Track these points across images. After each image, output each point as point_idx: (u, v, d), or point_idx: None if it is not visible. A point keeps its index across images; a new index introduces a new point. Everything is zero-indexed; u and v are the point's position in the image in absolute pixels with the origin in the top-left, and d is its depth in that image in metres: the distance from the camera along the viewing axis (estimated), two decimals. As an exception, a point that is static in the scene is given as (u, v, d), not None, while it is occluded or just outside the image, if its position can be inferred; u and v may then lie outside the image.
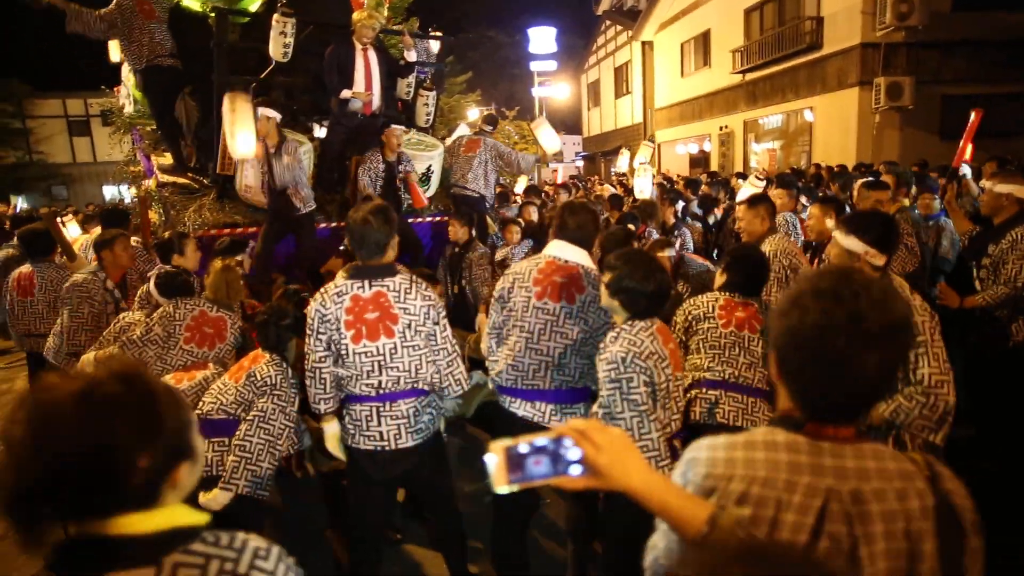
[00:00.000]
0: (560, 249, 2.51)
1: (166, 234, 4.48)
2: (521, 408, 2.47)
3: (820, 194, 6.59)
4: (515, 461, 0.80)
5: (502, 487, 0.80)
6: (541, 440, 0.82)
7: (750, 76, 15.47)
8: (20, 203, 14.05)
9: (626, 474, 0.87)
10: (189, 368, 2.79)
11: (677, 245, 6.08)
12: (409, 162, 5.18)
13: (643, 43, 21.23)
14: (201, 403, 2.52)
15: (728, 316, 2.52)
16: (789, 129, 14.97)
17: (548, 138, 6.03)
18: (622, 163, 9.23)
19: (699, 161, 18.80)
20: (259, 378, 2.46)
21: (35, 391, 0.83)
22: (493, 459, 0.80)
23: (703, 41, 17.75)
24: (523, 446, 0.81)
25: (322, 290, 2.39)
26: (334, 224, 5.22)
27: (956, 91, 11.71)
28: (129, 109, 6.25)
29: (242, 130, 4.23)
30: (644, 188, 6.78)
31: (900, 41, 11.58)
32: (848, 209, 4.12)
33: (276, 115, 4.45)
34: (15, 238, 4.81)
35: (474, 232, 4.99)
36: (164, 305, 3.01)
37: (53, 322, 3.91)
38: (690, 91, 18.73)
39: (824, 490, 0.91)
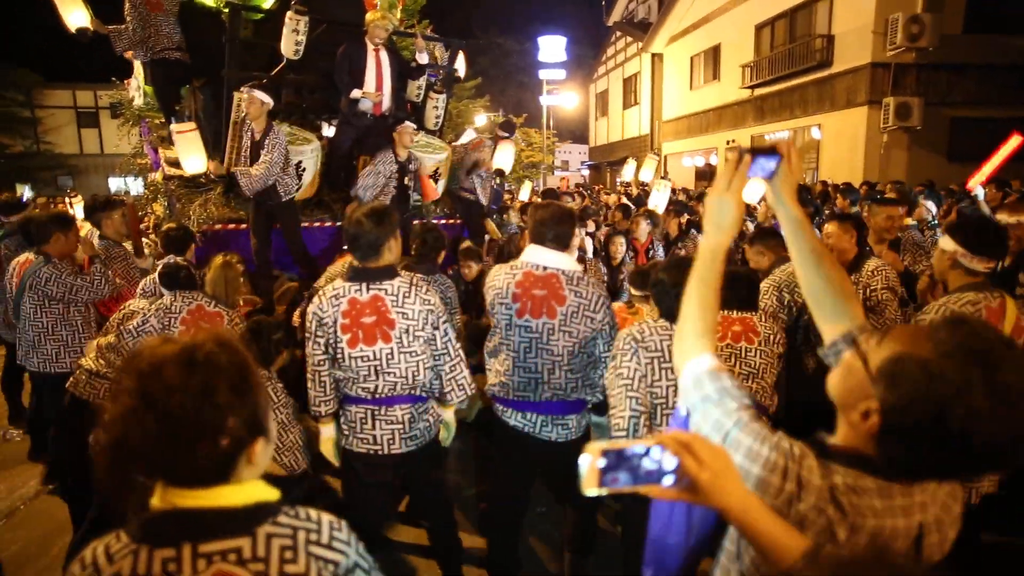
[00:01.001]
0: (535, 255, 2.38)
1: (166, 227, 4.46)
2: (513, 418, 2.45)
3: (827, 211, 6.60)
4: (609, 465, 0.79)
5: (592, 490, 0.79)
6: (639, 447, 0.81)
7: (759, 91, 15.50)
8: (26, 192, 14.06)
9: (725, 493, 0.85)
10: None
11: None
12: (417, 160, 5.17)
13: (653, 55, 21.31)
14: None
15: (724, 330, 2.46)
16: (797, 145, 14.94)
17: (502, 157, 5.95)
18: (627, 173, 9.24)
19: (705, 174, 18.81)
20: None
21: (139, 352, 0.90)
22: (587, 460, 0.79)
23: (713, 55, 17.80)
24: (620, 451, 0.80)
25: (320, 292, 2.35)
26: (340, 223, 5.20)
27: (965, 113, 11.73)
28: (139, 101, 6.25)
29: (190, 155, 4.52)
30: (660, 203, 6.70)
31: (910, 62, 11.60)
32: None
33: (268, 100, 4.41)
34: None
35: (484, 264, 4.82)
36: (164, 297, 2.98)
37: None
38: (698, 104, 18.77)
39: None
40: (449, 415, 2.53)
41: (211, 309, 2.93)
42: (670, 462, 0.82)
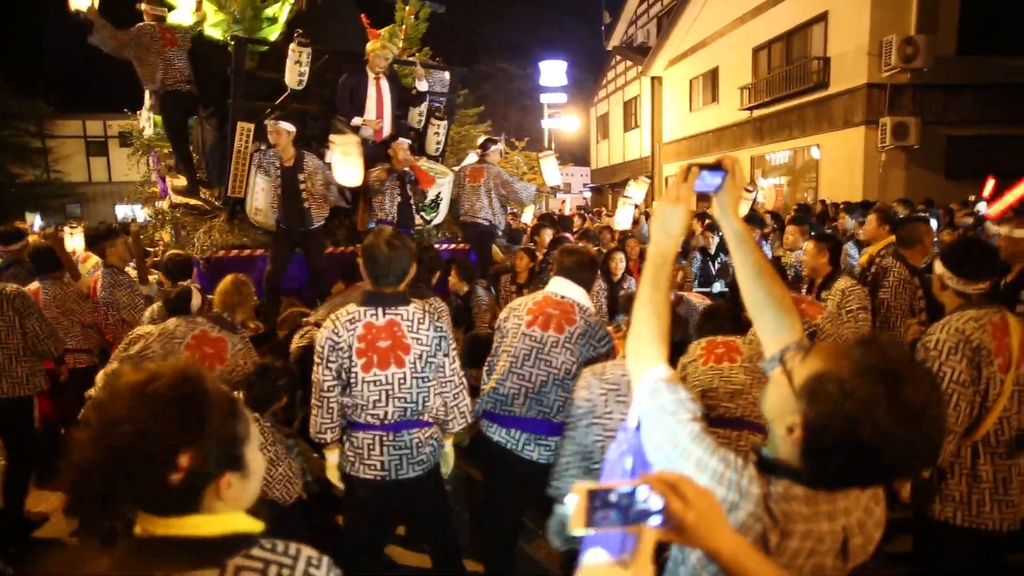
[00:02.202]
0: (559, 286, 2.57)
1: (168, 254, 4.55)
2: (496, 433, 2.48)
3: (824, 230, 6.63)
4: (595, 505, 0.79)
5: (579, 530, 0.78)
6: (625, 487, 0.81)
7: (758, 113, 15.67)
8: (37, 221, 14.26)
9: (713, 534, 0.83)
10: None
11: (679, 278, 6.13)
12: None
13: (652, 78, 21.61)
14: None
15: (708, 354, 2.51)
16: (796, 165, 15.10)
17: (550, 172, 6.13)
18: (636, 195, 9.30)
19: (705, 196, 18.90)
20: None
21: (109, 379, 0.88)
22: (574, 500, 0.79)
23: (711, 78, 18.05)
24: (606, 491, 0.80)
25: (333, 317, 2.35)
26: (340, 249, 5.27)
27: (961, 132, 11.83)
28: (149, 132, 6.41)
29: (349, 167, 4.54)
30: (622, 221, 6.84)
31: (905, 82, 11.75)
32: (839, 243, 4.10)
33: (291, 128, 4.54)
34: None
35: (474, 282, 4.86)
36: (168, 322, 3.02)
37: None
38: (698, 126, 18.96)
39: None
40: (449, 445, 2.53)
41: (214, 335, 2.94)
42: (656, 502, 0.80)
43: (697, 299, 4.18)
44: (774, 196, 14.35)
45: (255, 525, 0.93)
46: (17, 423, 3.39)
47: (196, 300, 3.13)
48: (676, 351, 2.81)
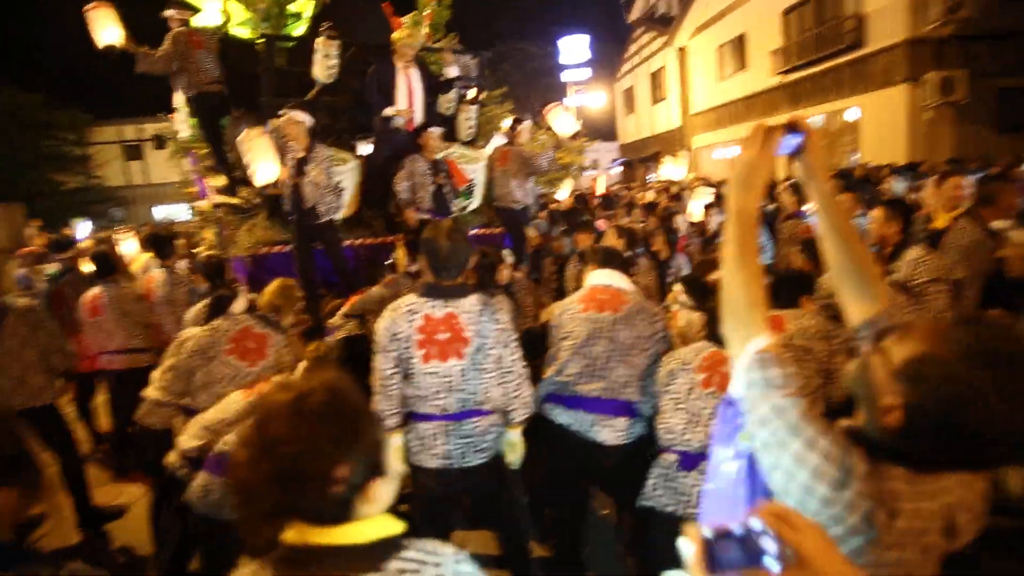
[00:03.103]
0: (599, 277, 2.69)
1: (204, 255, 4.64)
2: (561, 415, 2.51)
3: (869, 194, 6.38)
4: (712, 550, 0.75)
5: None
6: (736, 527, 0.75)
7: (790, 77, 15.14)
8: (84, 226, 14.74)
9: (832, 565, 0.76)
10: (253, 384, 2.85)
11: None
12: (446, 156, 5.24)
13: (678, 49, 21.05)
14: (224, 440, 2.45)
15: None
16: (831, 129, 14.57)
17: (561, 122, 5.82)
18: (668, 172, 9.08)
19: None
20: None
21: (261, 398, 0.95)
22: (689, 547, 0.76)
23: (739, 44, 17.48)
24: (720, 535, 0.75)
25: (392, 307, 2.37)
26: (379, 240, 5.31)
27: (1013, 83, 11.20)
28: (185, 134, 6.53)
29: (261, 161, 4.37)
30: (696, 210, 6.45)
31: (950, 34, 11.15)
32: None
33: (303, 118, 4.48)
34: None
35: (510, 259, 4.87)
36: (215, 320, 3.08)
37: (121, 339, 4.11)
38: (728, 95, 18.43)
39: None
40: (515, 435, 2.54)
41: (257, 331, 3.01)
42: (770, 544, 0.74)
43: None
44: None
45: (400, 526, 0.97)
46: (47, 429, 3.47)
47: (241, 303, 3.18)
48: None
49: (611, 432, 2.45)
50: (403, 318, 2.31)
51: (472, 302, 2.35)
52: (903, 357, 0.93)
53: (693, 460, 2.14)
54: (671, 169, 7.50)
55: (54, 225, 16.72)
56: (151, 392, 3.04)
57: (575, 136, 6.06)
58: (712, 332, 2.30)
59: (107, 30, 4.88)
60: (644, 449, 2.48)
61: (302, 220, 4.64)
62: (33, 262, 6.13)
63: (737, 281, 1.09)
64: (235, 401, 2.65)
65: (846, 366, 1.12)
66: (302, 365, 2.74)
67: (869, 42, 12.37)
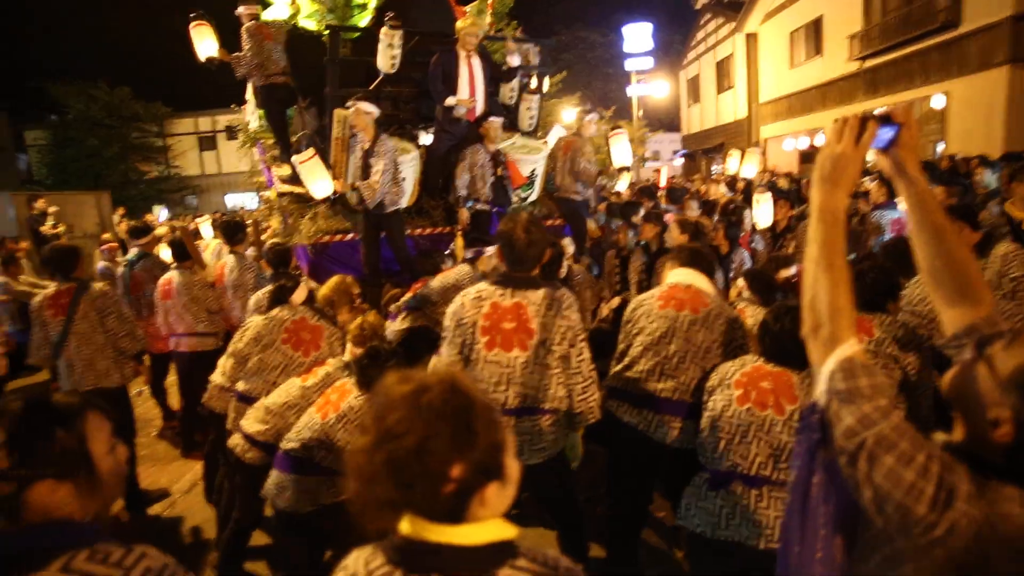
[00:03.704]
0: (681, 276, 2.58)
1: (270, 243, 4.79)
2: (627, 414, 2.42)
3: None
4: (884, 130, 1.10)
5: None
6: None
7: (870, 63, 14.22)
8: (163, 213, 15.62)
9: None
10: (308, 371, 2.89)
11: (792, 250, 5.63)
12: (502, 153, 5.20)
13: (747, 35, 20.18)
14: (286, 438, 2.48)
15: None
16: (914, 116, 13.60)
17: (621, 152, 5.76)
18: (732, 165, 8.71)
19: (810, 156, 17.54)
20: (357, 418, 2.37)
21: (381, 388, 0.94)
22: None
23: (814, 28, 16.57)
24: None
25: (462, 293, 2.40)
26: (439, 230, 5.32)
27: None
28: (254, 124, 6.74)
29: (316, 180, 4.57)
30: (763, 218, 6.02)
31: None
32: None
33: (371, 109, 4.54)
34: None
35: (572, 249, 4.74)
36: (273, 310, 3.15)
37: (188, 323, 4.28)
38: (800, 83, 17.54)
39: None
40: (575, 437, 2.50)
41: (313, 322, 3.07)
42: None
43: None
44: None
45: (512, 531, 0.94)
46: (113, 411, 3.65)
47: (301, 293, 3.23)
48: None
49: (678, 434, 2.36)
50: (471, 304, 2.32)
51: (541, 295, 2.31)
52: (1014, 366, 0.86)
53: (723, 480, 2.03)
54: (747, 168, 7.17)
55: (136, 212, 17.86)
56: (216, 377, 3.13)
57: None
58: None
59: (205, 43, 5.27)
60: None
61: (370, 210, 4.70)
62: (112, 256, 6.52)
63: (822, 284, 1.02)
64: (295, 385, 2.71)
65: (943, 377, 1.03)
66: (349, 344, 2.78)
67: (965, 21, 11.42)
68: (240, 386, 3.01)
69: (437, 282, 3.99)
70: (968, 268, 1.08)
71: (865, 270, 2.43)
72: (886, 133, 1.11)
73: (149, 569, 0.95)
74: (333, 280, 3.30)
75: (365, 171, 4.58)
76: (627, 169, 5.98)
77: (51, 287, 3.64)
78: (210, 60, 5.30)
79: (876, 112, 1.11)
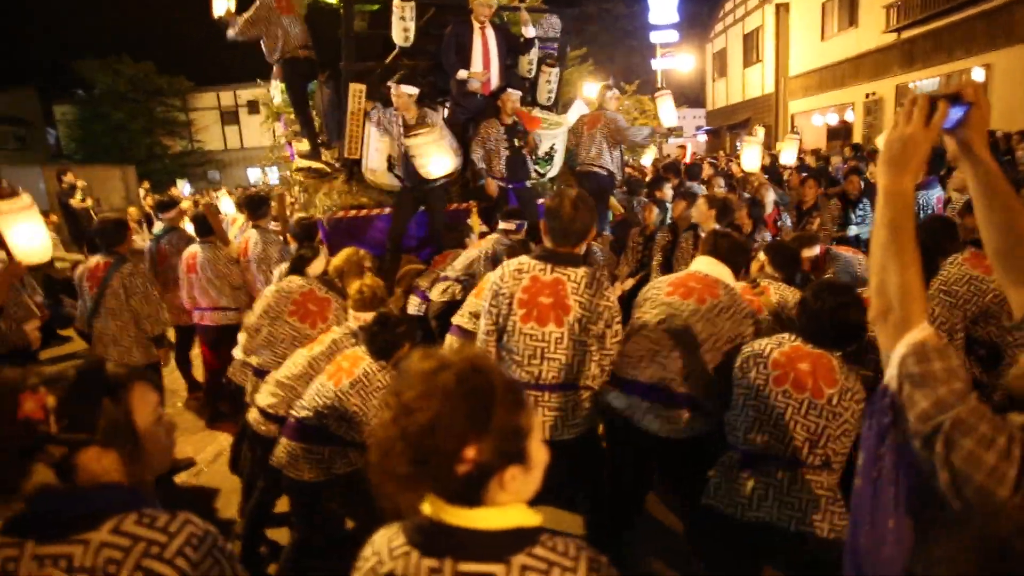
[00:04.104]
0: (705, 264, 2.49)
1: (296, 217, 4.82)
2: (617, 400, 2.36)
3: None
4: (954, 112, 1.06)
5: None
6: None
7: (907, 34, 13.64)
8: (186, 187, 15.84)
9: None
10: (315, 338, 2.89)
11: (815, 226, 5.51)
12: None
13: (777, 6, 19.49)
14: (298, 406, 2.49)
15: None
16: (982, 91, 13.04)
17: (667, 112, 5.72)
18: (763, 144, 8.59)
19: (838, 133, 17.03)
20: (371, 384, 2.39)
21: (407, 362, 0.94)
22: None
23: (849, -2, 15.93)
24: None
25: (503, 265, 2.41)
26: (455, 206, 5.29)
27: None
28: (278, 99, 6.74)
29: (434, 156, 4.55)
30: (750, 162, 6.20)
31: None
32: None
33: (413, 90, 4.58)
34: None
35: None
36: (284, 281, 3.19)
37: (212, 297, 4.35)
38: (831, 55, 16.93)
39: None
40: None
41: (321, 295, 3.10)
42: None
43: (848, 252, 3.70)
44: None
45: (535, 518, 0.93)
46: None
47: (319, 264, 3.25)
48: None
49: (665, 424, 2.27)
50: (511, 276, 2.32)
51: (582, 273, 2.29)
52: None
53: (755, 461, 1.97)
54: (785, 154, 7.04)
55: (161, 186, 18.12)
56: (237, 352, 3.18)
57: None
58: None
59: (219, 2, 5.27)
60: (707, 446, 2.30)
61: (415, 184, 4.71)
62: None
63: (892, 267, 1.02)
64: (302, 355, 2.74)
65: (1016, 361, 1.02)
66: (352, 310, 2.79)
67: (1010, -11, 10.89)
68: (254, 360, 3.06)
69: (463, 258, 4.00)
70: None
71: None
72: (956, 113, 1.08)
73: (193, 535, 0.98)
74: (344, 252, 3.33)
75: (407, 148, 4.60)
76: (675, 132, 6.01)
77: (93, 259, 3.73)
78: (220, 20, 5.31)
79: (911, 87, 1.08)
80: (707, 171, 9.15)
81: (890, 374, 0.98)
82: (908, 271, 1.00)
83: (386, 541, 0.95)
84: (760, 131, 7.31)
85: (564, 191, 2.36)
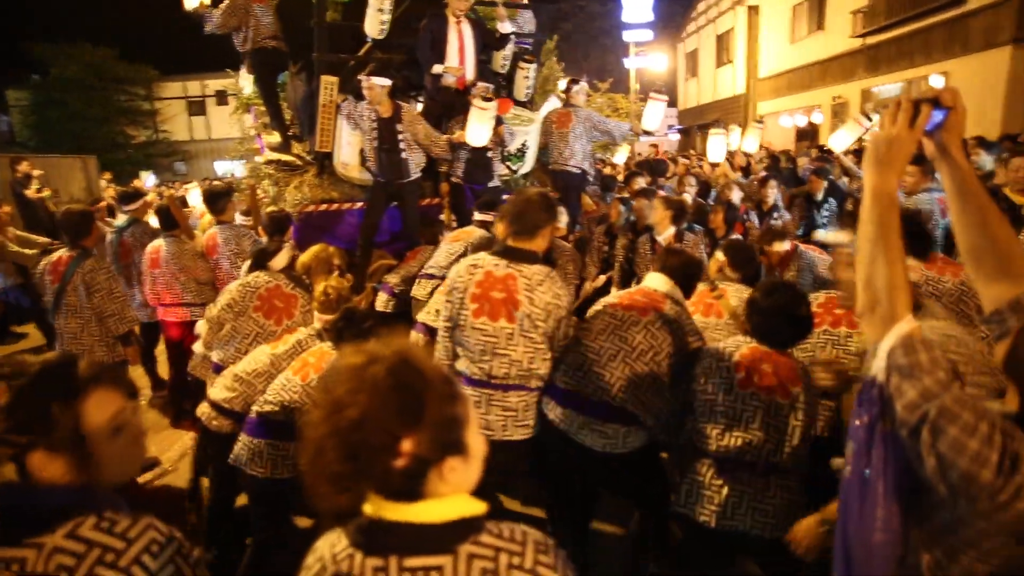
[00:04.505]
0: (656, 281, 2.49)
1: (268, 210, 4.72)
2: (552, 411, 2.32)
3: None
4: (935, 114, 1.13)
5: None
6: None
7: (872, 40, 14.01)
8: (151, 179, 15.34)
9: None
10: (279, 338, 2.81)
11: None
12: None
13: (749, 7, 19.81)
14: (261, 401, 2.46)
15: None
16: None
17: (653, 116, 5.71)
18: (734, 140, 8.66)
19: (806, 134, 17.41)
20: None
21: (338, 358, 0.93)
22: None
23: (818, 2, 16.26)
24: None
25: (461, 261, 2.46)
26: (428, 201, 5.25)
27: None
28: (248, 90, 6.58)
29: (480, 127, 4.51)
30: (715, 154, 6.33)
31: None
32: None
33: (386, 82, 4.50)
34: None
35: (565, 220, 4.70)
36: (250, 275, 3.11)
37: (176, 293, 4.24)
38: (800, 58, 17.30)
39: None
40: None
41: (288, 291, 3.05)
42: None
43: (815, 252, 3.76)
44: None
45: (479, 507, 0.92)
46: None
47: (282, 258, 3.19)
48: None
49: (599, 438, 2.21)
50: (466, 271, 2.36)
51: (536, 270, 2.32)
52: None
53: (729, 466, 1.97)
54: (748, 141, 7.09)
55: (124, 178, 17.55)
56: (198, 346, 3.11)
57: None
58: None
59: None
60: (645, 459, 2.31)
61: (389, 179, 4.65)
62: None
63: (880, 262, 1.07)
64: (264, 352, 2.68)
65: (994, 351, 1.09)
66: (316, 312, 2.75)
67: (970, -1, 11.25)
68: (214, 356, 2.99)
69: (445, 253, 3.96)
70: (1011, 246, 1.12)
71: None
72: (935, 117, 1.15)
73: (154, 541, 0.95)
74: (313, 248, 3.27)
75: (385, 141, 4.52)
76: (651, 133, 6.01)
77: (56, 253, 3.60)
78: (195, 11, 5.25)
79: (873, 91, 1.13)
80: (681, 168, 9.27)
81: (878, 366, 1.02)
82: (895, 266, 1.05)
83: (329, 546, 0.93)
84: (733, 128, 7.41)
85: (524, 189, 2.43)
